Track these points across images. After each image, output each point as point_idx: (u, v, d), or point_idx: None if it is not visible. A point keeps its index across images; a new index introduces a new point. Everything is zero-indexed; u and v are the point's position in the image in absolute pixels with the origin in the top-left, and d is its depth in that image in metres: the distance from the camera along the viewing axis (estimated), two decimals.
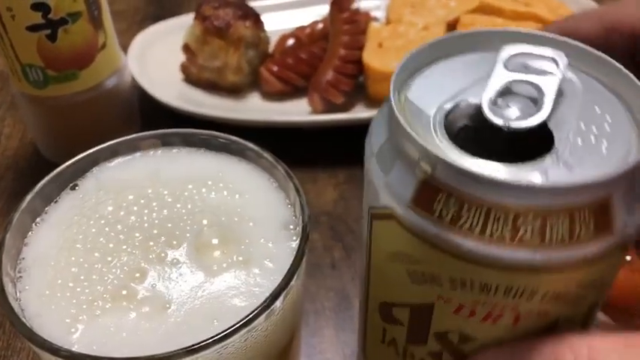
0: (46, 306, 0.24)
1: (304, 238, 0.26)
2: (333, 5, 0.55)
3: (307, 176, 0.50)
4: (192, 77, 0.55)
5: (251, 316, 0.22)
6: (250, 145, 0.30)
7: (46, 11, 0.42)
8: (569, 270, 0.21)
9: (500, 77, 0.23)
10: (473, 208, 0.20)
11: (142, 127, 0.55)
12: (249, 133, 0.51)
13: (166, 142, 0.32)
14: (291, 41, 0.56)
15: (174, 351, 0.21)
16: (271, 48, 0.58)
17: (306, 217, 0.26)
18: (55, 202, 0.29)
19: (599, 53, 0.24)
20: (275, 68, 0.53)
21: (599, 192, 0.20)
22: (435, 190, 0.21)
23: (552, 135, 0.22)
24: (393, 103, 0.22)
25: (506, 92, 0.23)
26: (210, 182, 0.29)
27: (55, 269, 0.26)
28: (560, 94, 0.23)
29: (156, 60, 0.56)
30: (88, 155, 0.30)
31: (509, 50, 0.24)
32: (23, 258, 0.27)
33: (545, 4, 0.57)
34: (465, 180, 0.20)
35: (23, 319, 0.23)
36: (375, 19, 0.58)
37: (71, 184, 0.30)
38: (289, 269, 0.24)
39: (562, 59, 0.23)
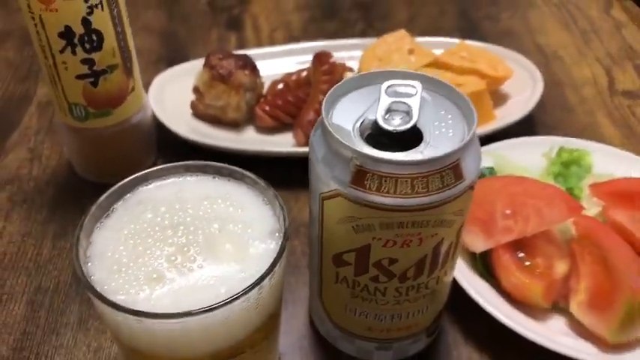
0: (106, 283, 0.36)
1: (285, 239, 0.38)
2: (315, 59, 0.68)
3: (291, 195, 0.62)
4: (200, 113, 0.68)
5: (248, 288, 0.35)
6: (249, 173, 0.42)
7: (91, 64, 0.55)
8: (445, 204, 0.36)
9: (384, 101, 0.37)
10: (386, 179, 0.35)
11: (158, 153, 0.67)
12: (246, 160, 0.64)
13: (188, 170, 0.44)
14: (280, 85, 0.69)
15: (206, 306, 0.33)
16: (265, 89, 0.71)
17: (287, 226, 0.38)
18: (110, 211, 0.41)
19: (438, 78, 0.39)
20: (267, 108, 0.66)
21: (452, 158, 0.35)
22: (364, 173, 0.35)
23: (421, 132, 0.36)
24: (327, 124, 0.36)
25: (389, 110, 0.37)
26: (220, 200, 0.42)
27: (111, 259, 0.38)
28: (420, 106, 0.37)
29: (171, 98, 0.68)
30: (132, 179, 0.42)
31: (387, 83, 0.38)
32: (90, 252, 0.38)
33: (487, 60, 0.70)
34: (380, 164, 0.34)
35: (94, 286, 0.35)
36: (350, 69, 0.70)
37: (121, 199, 0.42)
38: (274, 259, 0.36)
39: (418, 86, 0.38)
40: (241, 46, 0.86)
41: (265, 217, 0.41)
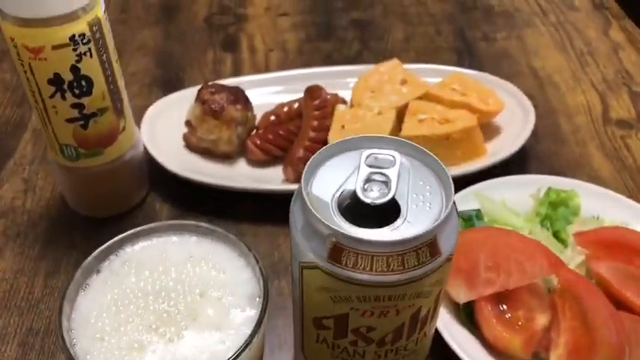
0: (89, 352, 0.37)
1: (264, 308, 0.39)
2: (306, 93, 0.68)
3: (281, 231, 0.63)
4: (192, 145, 0.68)
5: (234, 354, 0.36)
6: (231, 235, 0.43)
7: (81, 108, 0.55)
8: (422, 279, 0.36)
9: (363, 171, 0.38)
10: (362, 256, 0.35)
11: (150, 186, 0.68)
12: (237, 194, 0.65)
13: (171, 229, 0.44)
14: (272, 117, 0.69)
15: None
16: (258, 120, 0.71)
17: (267, 292, 0.39)
18: (95, 273, 0.42)
19: (416, 145, 0.39)
20: (258, 142, 0.67)
21: (429, 236, 0.35)
22: (340, 250, 0.35)
23: (399, 205, 0.37)
24: (306, 198, 0.36)
25: (369, 180, 0.38)
26: (202, 261, 0.42)
27: (94, 326, 0.38)
28: (399, 176, 0.38)
29: (162, 130, 0.69)
30: (117, 240, 0.43)
31: (367, 152, 0.39)
32: (73, 317, 0.39)
33: (479, 93, 0.70)
34: (356, 242, 0.35)
35: (76, 358, 0.36)
36: (343, 101, 0.71)
37: (106, 260, 0.42)
38: (252, 330, 0.37)
39: (397, 155, 0.38)
40: (237, 68, 0.86)
41: (246, 281, 0.41)
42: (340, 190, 0.38)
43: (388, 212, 0.37)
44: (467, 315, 0.51)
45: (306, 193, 0.38)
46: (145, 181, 0.67)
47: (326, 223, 0.35)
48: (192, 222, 0.44)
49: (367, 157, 0.39)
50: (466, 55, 0.88)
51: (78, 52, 0.52)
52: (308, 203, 0.36)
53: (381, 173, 0.38)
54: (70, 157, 0.58)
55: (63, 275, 0.59)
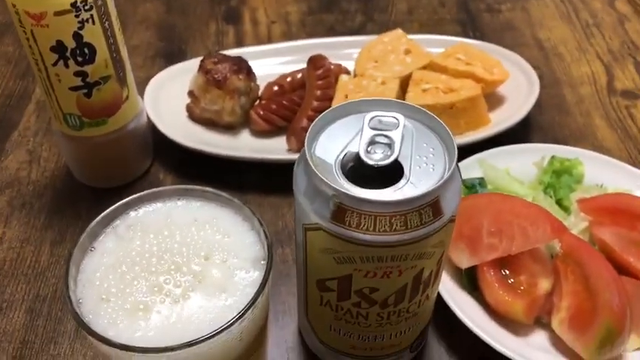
0: (94, 312, 0.37)
1: (268, 270, 0.39)
2: (309, 63, 0.68)
3: (286, 201, 0.63)
4: (196, 116, 0.68)
5: (230, 321, 0.36)
6: (235, 200, 0.43)
7: (84, 76, 0.55)
8: (424, 239, 0.36)
9: (367, 133, 0.38)
10: (365, 217, 0.35)
11: (155, 155, 0.68)
12: (241, 164, 0.65)
13: (176, 194, 0.45)
14: (275, 88, 0.69)
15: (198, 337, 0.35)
16: (261, 91, 0.71)
17: (271, 255, 0.39)
18: (100, 237, 0.42)
19: (420, 107, 0.39)
20: (261, 112, 0.66)
21: (431, 196, 0.35)
22: (344, 210, 0.36)
23: (402, 167, 0.37)
24: (309, 160, 0.37)
25: (372, 142, 0.38)
26: (207, 225, 0.42)
27: (100, 288, 0.38)
28: (402, 138, 0.38)
29: (166, 101, 0.69)
30: (121, 204, 0.43)
31: (370, 115, 0.39)
32: (79, 279, 0.40)
33: (484, 63, 0.69)
34: (359, 203, 0.35)
35: (82, 318, 0.37)
36: (347, 71, 0.70)
37: (110, 225, 0.42)
38: (256, 291, 0.37)
39: (400, 117, 0.38)
40: (239, 41, 0.85)
41: (250, 245, 0.42)
42: (344, 152, 0.38)
43: (391, 174, 0.37)
44: (469, 280, 0.51)
45: (310, 154, 0.37)
46: (149, 152, 0.67)
47: (329, 183, 0.35)
48: (197, 187, 0.44)
49: (371, 119, 0.39)
50: (470, 27, 0.87)
51: (80, 18, 0.51)
52: (311, 165, 0.36)
53: (384, 135, 0.38)
54: (74, 126, 0.58)
55: (69, 244, 0.59)
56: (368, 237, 0.36)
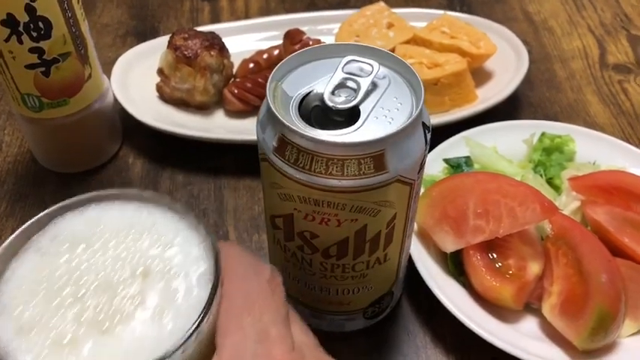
0: (12, 345, 0.29)
1: (214, 289, 0.31)
2: (285, 37, 0.64)
3: (257, 184, 0.60)
4: (166, 96, 0.64)
5: (168, 353, 0.28)
6: (179, 205, 0.35)
7: (40, 53, 0.51)
8: (362, 192, 0.34)
9: (338, 76, 0.36)
10: (304, 154, 0.34)
11: (124, 138, 0.64)
12: (215, 146, 0.62)
13: (110, 198, 0.36)
14: (251, 65, 0.66)
15: None
16: (236, 68, 0.67)
17: (219, 270, 0.31)
18: (22, 252, 0.33)
19: (401, 59, 0.37)
20: (235, 90, 0.63)
21: (374, 147, 0.33)
22: (285, 144, 0.34)
23: (361, 114, 0.35)
24: (269, 89, 0.35)
25: (341, 86, 0.36)
26: (145, 234, 0.34)
27: (19, 316, 0.31)
28: (374, 86, 0.36)
29: (135, 80, 0.65)
30: (46, 213, 0.34)
31: (347, 58, 0.37)
32: None
33: (469, 36, 0.66)
34: (298, 137, 0.33)
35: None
36: None
37: (32, 240, 0.34)
38: (200, 314, 0.30)
39: (375, 64, 0.36)
40: (215, 18, 0.81)
41: (195, 259, 0.33)
42: (310, 90, 0.37)
43: (350, 120, 0.35)
44: (455, 265, 0.48)
45: (274, 85, 0.36)
46: (117, 135, 0.63)
47: (275, 113, 0.34)
48: (135, 190, 0.36)
49: (347, 63, 0.37)
50: (457, 0, 0.84)
51: None
52: (268, 93, 0.35)
53: (354, 81, 0.36)
54: (33, 107, 0.55)
55: None
56: (303, 176, 0.34)
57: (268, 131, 0.35)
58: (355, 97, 0.35)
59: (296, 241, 0.39)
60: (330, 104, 0.35)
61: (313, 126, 0.35)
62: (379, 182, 0.34)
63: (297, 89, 0.37)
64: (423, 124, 0.36)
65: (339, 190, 0.34)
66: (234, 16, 0.81)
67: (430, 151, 0.56)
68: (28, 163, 0.62)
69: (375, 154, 0.34)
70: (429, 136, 0.37)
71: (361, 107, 0.35)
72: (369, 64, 0.37)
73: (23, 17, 0.48)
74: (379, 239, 0.39)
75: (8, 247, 0.33)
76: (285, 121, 0.34)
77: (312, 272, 0.41)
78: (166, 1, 0.84)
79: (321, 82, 0.37)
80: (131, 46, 0.73)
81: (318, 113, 0.36)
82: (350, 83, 0.36)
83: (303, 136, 0.33)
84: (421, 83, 0.36)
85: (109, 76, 0.63)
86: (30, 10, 0.48)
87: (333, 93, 0.36)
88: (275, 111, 0.34)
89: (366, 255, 0.40)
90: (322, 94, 0.36)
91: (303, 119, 0.35)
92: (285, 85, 0.37)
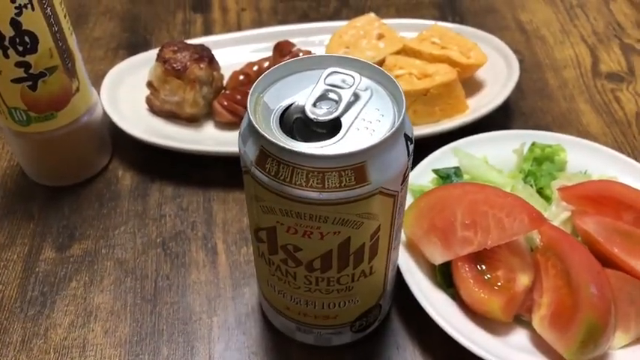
0: None
1: None
2: (275, 49, 0.64)
3: None
4: (156, 108, 0.64)
5: None
6: None
7: (27, 67, 0.51)
8: (343, 204, 0.34)
9: (319, 88, 0.36)
10: (284, 167, 0.33)
11: (114, 151, 0.64)
12: (205, 158, 0.62)
13: None
14: (241, 77, 0.65)
15: None
16: (226, 80, 0.67)
17: None
18: None
19: (378, 67, 0.37)
20: (225, 103, 0.63)
21: (355, 159, 0.33)
22: (265, 156, 0.34)
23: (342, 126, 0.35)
24: (249, 101, 0.35)
25: (323, 97, 0.36)
26: None
27: None
28: (356, 98, 0.36)
29: (125, 93, 0.65)
30: None
31: (329, 70, 0.37)
32: None
33: (458, 46, 0.66)
34: (278, 150, 0.33)
35: None
36: None
37: None
38: None
39: (357, 76, 0.36)
40: (207, 29, 0.81)
41: None
42: (292, 103, 0.36)
43: (332, 132, 0.35)
44: (443, 277, 0.48)
45: (254, 97, 0.36)
46: (106, 148, 0.63)
47: (255, 126, 0.34)
48: None
49: (328, 74, 0.37)
50: (449, 11, 0.84)
51: (17, 4, 0.47)
52: (249, 106, 0.35)
53: (336, 92, 0.36)
54: (20, 121, 0.55)
55: (19, 247, 0.56)
56: (285, 189, 0.34)
57: (249, 144, 0.35)
58: (337, 109, 0.35)
59: (280, 254, 0.39)
60: (312, 116, 0.35)
61: (295, 139, 0.35)
62: (361, 194, 0.34)
63: (279, 102, 0.37)
64: (406, 135, 0.36)
65: (321, 203, 0.34)
66: (227, 28, 0.81)
67: (420, 161, 0.56)
68: (16, 176, 0.62)
69: (356, 165, 0.33)
70: (411, 147, 0.36)
71: (342, 119, 0.35)
72: (351, 75, 0.37)
73: (9, 32, 0.48)
74: (363, 252, 0.38)
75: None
76: (264, 134, 0.33)
77: (297, 286, 0.41)
78: (158, 14, 0.85)
79: (303, 94, 0.37)
80: (122, 59, 0.73)
81: (300, 126, 0.36)
82: (332, 95, 0.36)
83: (282, 148, 0.33)
84: (403, 95, 0.36)
85: (98, 89, 0.62)
86: (15, 24, 0.48)
87: (314, 105, 0.36)
88: (255, 123, 0.34)
89: (351, 268, 0.39)
90: (304, 106, 0.35)
91: (285, 132, 0.35)
92: (266, 97, 0.37)
